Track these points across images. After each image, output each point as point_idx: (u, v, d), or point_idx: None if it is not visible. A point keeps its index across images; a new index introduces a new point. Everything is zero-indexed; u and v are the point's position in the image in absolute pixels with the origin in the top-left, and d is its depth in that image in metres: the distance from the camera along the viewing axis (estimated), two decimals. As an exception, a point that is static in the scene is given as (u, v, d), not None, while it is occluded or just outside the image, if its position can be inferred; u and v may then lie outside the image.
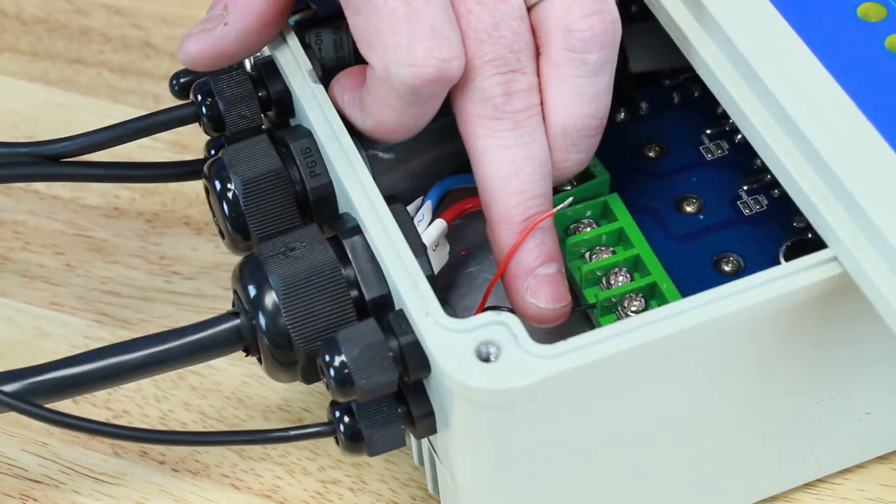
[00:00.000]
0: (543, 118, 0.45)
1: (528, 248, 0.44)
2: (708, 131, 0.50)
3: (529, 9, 0.44)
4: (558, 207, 0.45)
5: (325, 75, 0.47)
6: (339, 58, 0.48)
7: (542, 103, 0.45)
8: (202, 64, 0.47)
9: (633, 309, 0.45)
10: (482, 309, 0.46)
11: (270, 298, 0.43)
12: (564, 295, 0.44)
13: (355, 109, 0.46)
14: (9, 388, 0.44)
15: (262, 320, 0.43)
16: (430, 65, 0.42)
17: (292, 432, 0.45)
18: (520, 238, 0.44)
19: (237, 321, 0.44)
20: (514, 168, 0.44)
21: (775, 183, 0.45)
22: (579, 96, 0.44)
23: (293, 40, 0.47)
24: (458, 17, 0.44)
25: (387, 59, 0.43)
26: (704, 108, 0.51)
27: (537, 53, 0.45)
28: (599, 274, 0.46)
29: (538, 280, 0.44)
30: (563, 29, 0.44)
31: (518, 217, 0.44)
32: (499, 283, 0.45)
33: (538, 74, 0.44)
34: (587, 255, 0.47)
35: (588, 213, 0.47)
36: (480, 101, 0.44)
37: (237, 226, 0.46)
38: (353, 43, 0.44)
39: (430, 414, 0.43)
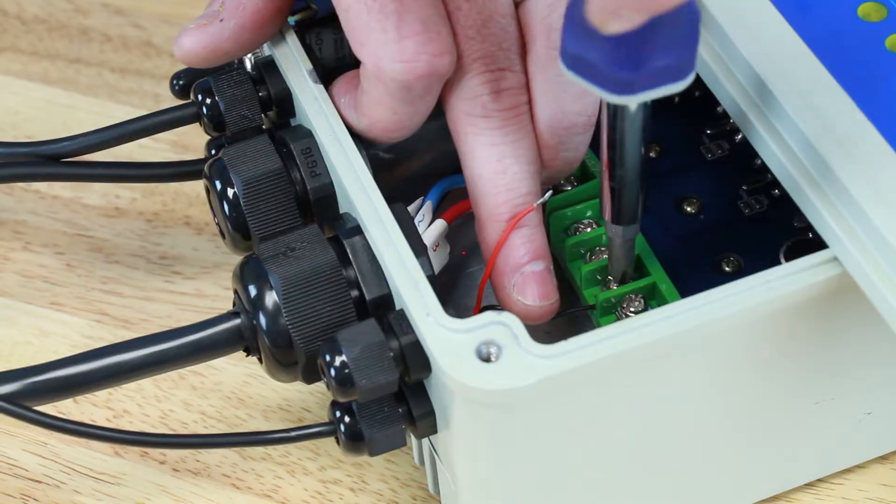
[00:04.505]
0: (532, 116, 0.45)
1: (516, 244, 0.44)
2: (708, 131, 0.50)
3: (517, 6, 0.44)
4: (538, 202, 0.44)
5: (326, 75, 0.47)
6: (339, 58, 0.48)
7: (529, 101, 0.45)
8: (197, 59, 0.47)
9: (633, 309, 0.45)
10: (478, 308, 0.46)
11: (271, 298, 0.43)
12: (552, 293, 0.44)
13: (351, 110, 0.45)
14: (8, 388, 0.44)
15: (262, 320, 0.43)
16: (421, 60, 0.42)
17: (293, 433, 0.45)
18: (504, 234, 0.44)
19: (238, 321, 0.44)
20: (502, 166, 0.44)
21: (775, 183, 0.45)
22: (565, 94, 0.44)
23: (293, 40, 0.47)
24: (447, 14, 0.44)
25: (377, 55, 0.43)
26: (704, 108, 0.51)
27: (525, 51, 0.45)
28: (599, 277, 0.46)
29: (525, 277, 0.44)
30: (547, 27, 0.44)
31: (505, 215, 0.44)
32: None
33: (525, 72, 0.44)
34: (587, 255, 0.47)
35: (588, 213, 0.47)
36: (469, 98, 0.44)
37: (238, 226, 0.46)
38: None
39: (431, 414, 0.43)
